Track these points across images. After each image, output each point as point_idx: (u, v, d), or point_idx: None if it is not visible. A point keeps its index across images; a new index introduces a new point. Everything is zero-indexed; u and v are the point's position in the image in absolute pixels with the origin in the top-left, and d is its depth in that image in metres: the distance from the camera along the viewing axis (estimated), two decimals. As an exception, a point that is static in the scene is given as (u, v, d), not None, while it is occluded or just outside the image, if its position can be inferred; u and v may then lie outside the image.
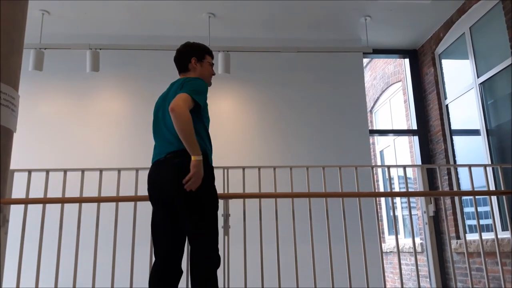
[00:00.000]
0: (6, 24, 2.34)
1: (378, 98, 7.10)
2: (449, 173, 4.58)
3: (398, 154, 6.39)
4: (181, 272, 2.05)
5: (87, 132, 4.52)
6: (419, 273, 3.20)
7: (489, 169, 3.95)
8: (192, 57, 2.23)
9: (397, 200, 6.38)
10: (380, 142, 7.05)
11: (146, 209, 2.96)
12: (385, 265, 6.50)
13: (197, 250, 1.95)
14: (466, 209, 4.45)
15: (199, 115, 2.07)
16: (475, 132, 4.27)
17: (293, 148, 4.62)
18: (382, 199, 6.71)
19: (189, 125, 1.89)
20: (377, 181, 6.98)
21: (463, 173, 4.47)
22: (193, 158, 1.92)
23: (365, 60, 7.12)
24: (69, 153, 4.42)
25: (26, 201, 2.66)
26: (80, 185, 2.87)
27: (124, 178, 3.01)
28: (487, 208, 4.10)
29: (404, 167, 3.16)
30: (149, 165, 3.82)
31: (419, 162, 5.00)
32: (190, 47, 2.27)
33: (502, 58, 3.84)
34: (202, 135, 2.07)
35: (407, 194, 3.10)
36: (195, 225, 1.95)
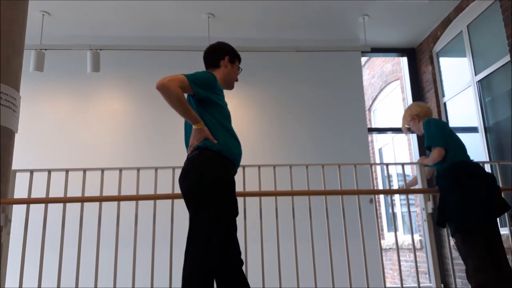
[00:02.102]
0: (7, 25, 2.36)
1: (376, 96, 7.13)
2: (447, 171, 4.61)
3: (397, 152, 6.42)
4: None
5: (88, 132, 4.54)
6: (418, 269, 3.22)
7: (487, 166, 3.98)
8: (226, 55, 2.25)
9: (396, 197, 6.41)
10: (378, 140, 7.08)
11: (147, 209, 2.98)
12: (384, 262, 6.54)
13: (185, 253, 1.89)
14: (464, 206, 4.47)
15: (206, 108, 2.05)
16: (473, 130, 4.29)
17: (292, 146, 4.65)
18: (381, 196, 6.74)
19: (177, 98, 1.90)
20: (376, 178, 7.01)
21: (461, 170, 4.49)
22: (194, 127, 2.00)
23: (364, 59, 7.15)
24: (70, 153, 4.44)
25: (28, 201, 2.68)
26: (82, 184, 2.89)
27: (126, 178, 3.03)
28: (486, 205, 4.12)
29: (403, 164, 3.19)
30: (150, 164, 3.86)
31: (418, 160, 5.02)
32: (225, 46, 2.30)
33: (499, 55, 3.87)
34: (214, 130, 2.03)
35: (405, 192, 3.13)
36: (190, 226, 1.92)
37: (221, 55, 2.25)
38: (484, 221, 2.43)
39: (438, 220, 2.63)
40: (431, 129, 2.70)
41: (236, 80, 2.31)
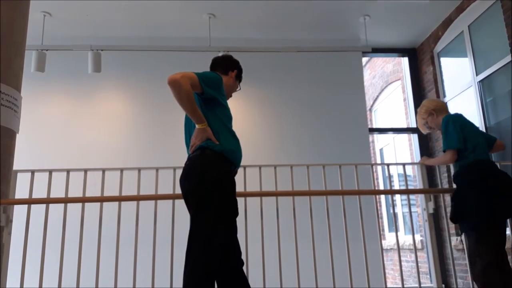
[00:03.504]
0: (8, 26, 2.36)
1: (377, 96, 7.13)
2: (448, 171, 4.61)
3: (398, 152, 6.41)
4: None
5: (89, 132, 4.54)
6: (419, 269, 3.22)
7: (488, 166, 3.97)
8: (236, 69, 2.36)
9: (397, 197, 6.41)
10: (379, 140, 7.07)
11: (148, 209, 2.99)
12: (385, 262, 6.53)
13: (186, 254, 1.90)
14: (465, 206, 4.46)
15: (211, 108, 2.07)
16: (474, 130, 4.28)
17: (293, 147, 4.65)
18: (382, 197, 6.73)
19: (186, 95, 1.91)
20: (377, 179, 7.00)
21: (462, 170, 4.49)
22: (197, 126, 2.01)
23: (364, 59, 7.14)
24: (71, 153, 4.44)
25: (30, 201, 2.69)
26: (83, 185, 2.89)
27: (127, 178, 3.04)
28: (487, 205, 4.12)
29: (404, 164, 3.19)
30: (151, 164, 3.86)
31: (419, 160, 5.02)
32: (238, 63, 2.40)
33: (501, 56, 3.86)
34: (217, 131, 2.05)
35: (406, 192, 3.13)
36: (190, 227, 1.93)
37: (233, 67, 2.35)
38: (501, 220, 2.42)
39: (452, 216, 2.58)
40: (449, 129, 2.62)
41: (230, 96, 2.38)
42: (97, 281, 2.74)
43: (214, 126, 2.04)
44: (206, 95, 2.03)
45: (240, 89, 2.43)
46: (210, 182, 1.92)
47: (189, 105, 1.94)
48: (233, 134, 2.13)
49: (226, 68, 2.33)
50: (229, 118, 2.15)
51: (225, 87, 2.24)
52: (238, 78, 2.38)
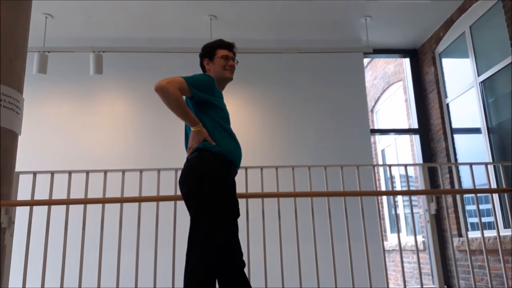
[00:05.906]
0: (10, 28, 2.36)
1: (379, 97, 7.12)
2: (450, 172, 4.60)
3: (399, 153, 6.40)
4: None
5: (91, 134, 4.55)
6: (421, 271, 3.21)
7: (490, 167, 3.96)
8: (204, 59, 2.26)
9: (399, 198, 6.39)
10: (381, 141, 7.06)
11: (149, 210, 2.99)
12: (387, 263, 6.52)
13: (186, 254, 1.89)
14: (467, 207, 4.46)
15: (205, 110, 2.05)
16: (476, 131, 4.28)
17: (295, 148, 4.65)
18: (384, 198, 6.72)
19: (175, 100, 1.92)
20: (379, 180, 6.99)
21: (464, 171, 4.49)
22: (192, 129, 2.00)
23: (366, 60, 7.14)
24: (73, 154, 4.45)
25: (32, 203, 2.69)
26: (85, 186, 2.89)
27: (128, 179, 3.04)
28: (489, 206, 4.12)
29: (405, 165, 3.18)
30: (153, 166, 3.86)
31: (420, 161, 5.01)
32: (202, 50, 2.30)
33: (502, 56, 3.86)
34: (213, 132, 2.03)
35: (408, 193, 3.12)
36: (190, 228, 1.92)
37: (201, 60, 2.28)
38: None
39: None
40: None
41: (230, 66, 2.23)
42: (99, 282, 2.75)
43: (210, 128, 2.03)
44: (197, 98, 2.02)
45: (237, 62, 2.29)
46: (209, 183, 1.92)
47: (179, 110, 1.94)
48: (230, 135, 2.10)
49: (202, 66, 2.28)
50: (224, 118, 2.11)
51: (216, 77, 2.17)
52: (213, 55, 2.21)
